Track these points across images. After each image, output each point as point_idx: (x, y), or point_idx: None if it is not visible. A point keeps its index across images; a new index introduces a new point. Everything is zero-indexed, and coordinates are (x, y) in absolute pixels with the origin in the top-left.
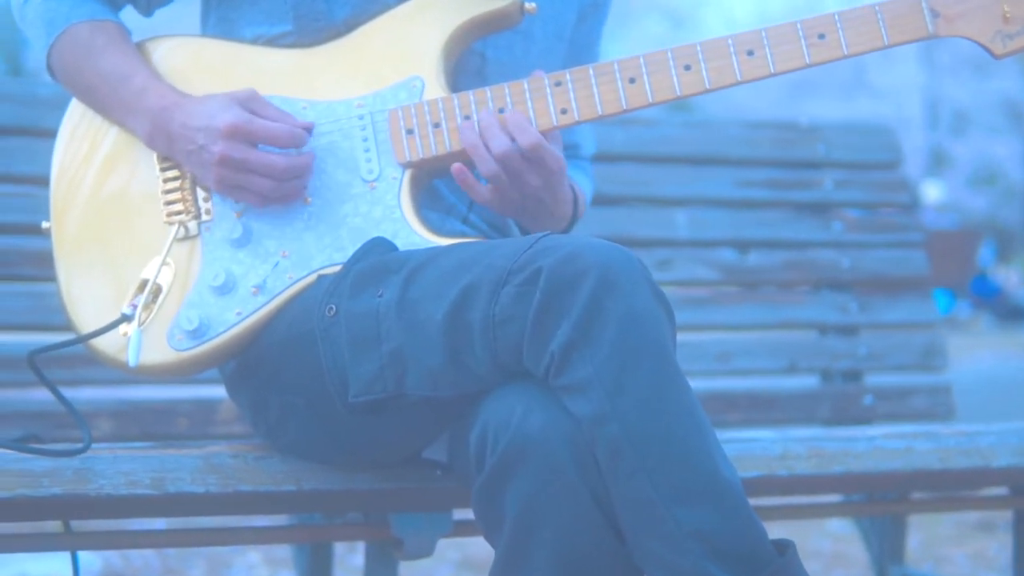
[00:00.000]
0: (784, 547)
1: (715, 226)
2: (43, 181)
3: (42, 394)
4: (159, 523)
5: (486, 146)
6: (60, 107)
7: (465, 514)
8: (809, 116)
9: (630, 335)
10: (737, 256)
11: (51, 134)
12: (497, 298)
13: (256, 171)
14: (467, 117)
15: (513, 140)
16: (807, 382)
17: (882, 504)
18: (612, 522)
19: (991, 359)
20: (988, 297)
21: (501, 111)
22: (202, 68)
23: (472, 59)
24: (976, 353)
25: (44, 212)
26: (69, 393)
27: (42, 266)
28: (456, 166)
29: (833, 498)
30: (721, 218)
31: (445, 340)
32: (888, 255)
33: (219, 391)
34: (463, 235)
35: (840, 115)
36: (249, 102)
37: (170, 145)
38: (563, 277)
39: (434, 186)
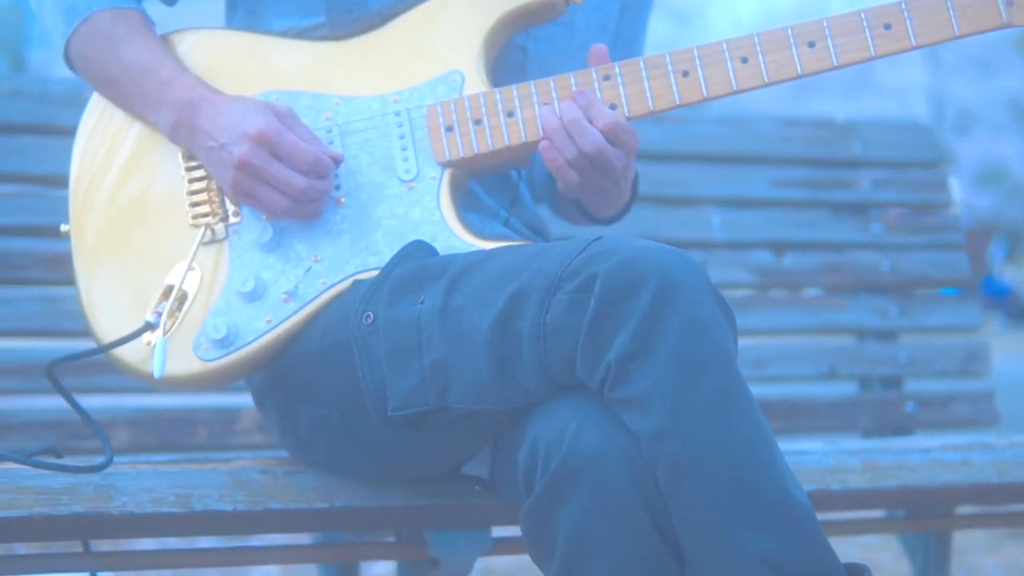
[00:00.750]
0: (859, 573)
1: (750, 227)
2: (56, 181)
3: (57, 403)
4: (174, 540)
5: (568, 133)
6: (74, 104)
7: (505, 531)
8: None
9: (692, 346)
10: (773, 258)
11: (64, 132)
12: (548, 306)
13: (272, 185)
14: (510, 114)
15: (593, 124)
16: (846, 389)
17: (931, 520)
18: (672, 546)
19: (1005, 362)
20: (998, 298)
21: (546, 106)
22: (229, 62)
23: (512, 52)
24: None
25: (57, 213)
26: (84, 401)
27: (55, 269)
28: (543, 145)
29: (876, 513)
30: (757, 219)
31: (491, 350)
32: (929, 257)
33: (240, 399)
34: (505, 238)
35: (845, 114)
36: (284, 117)
37: (192, 139)
38: (620, 283)
39: (471, 188)
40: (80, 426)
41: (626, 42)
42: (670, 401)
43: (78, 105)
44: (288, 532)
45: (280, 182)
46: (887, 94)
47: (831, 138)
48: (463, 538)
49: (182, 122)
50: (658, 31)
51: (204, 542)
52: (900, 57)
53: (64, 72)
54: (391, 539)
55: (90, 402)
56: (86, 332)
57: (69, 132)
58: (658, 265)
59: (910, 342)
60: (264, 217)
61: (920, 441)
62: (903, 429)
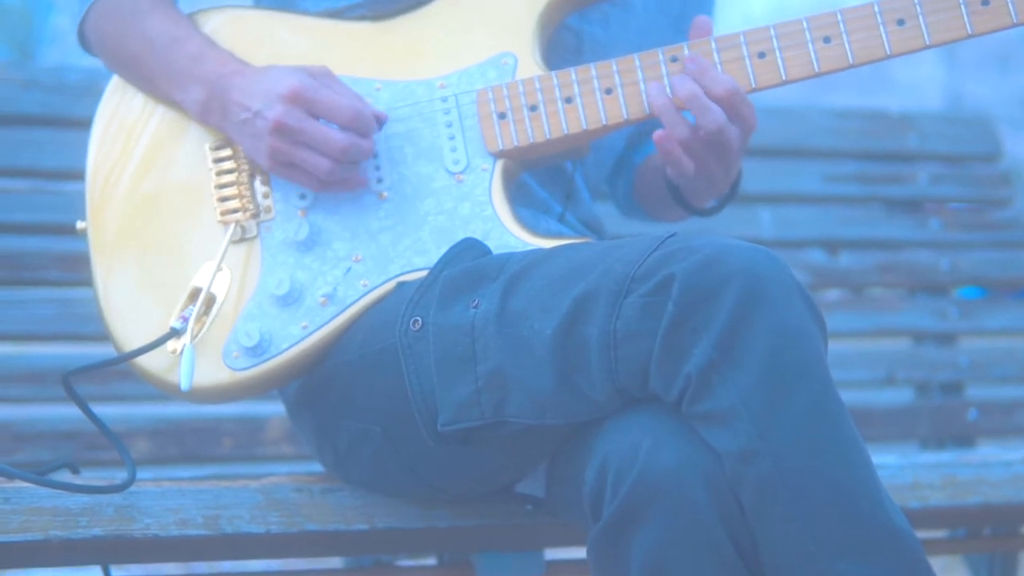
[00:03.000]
0: None
1: (802, 224)
2: (72, 176)
3: (73, 412)
4: (200, 565)
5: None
6: (90, 94)
7: (559, 553)
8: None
9: (782, 355)
10: (827, 257)
11: (80, 124)
12: (619, 310)
13: (312, 145)
14: (568, 100)
15: (702, 87)
16: (903, 395)
17: (997, 540)
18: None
19: None
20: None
21: (608, 91)
22: (260, 44)
23: (564, 36)
24: None
25: (73, 210)
26: (100, 410)
27: (71, 269)
28: (659, 133)
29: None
30: (808, 216)
31: (555, 359)
32: (990, 256)
33: (267, 407)
34: (560, 235)
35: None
36: (321, 75)
37: (224, 116)
38: (701, 285)
39: (523, 180)
40: (99, 436)
41: (685, 22)
42: (758, 416)
43: (94, 96)
44: (324, 556)
45: (319, 141)
46: (903, 91)
47: (885, 131)
48: (514, 560)
49: (213, 99)
50: None
51: (227, 565)
52: (916, 54)
53: (79, 62)
54: (432, 562)
55: (107, 411)
56: (104, 336)
57: (85, 124)
58: (742, 264)
59: (971, 345)
60: (301, 213)
61: (999, 454)
62: (964, 438)
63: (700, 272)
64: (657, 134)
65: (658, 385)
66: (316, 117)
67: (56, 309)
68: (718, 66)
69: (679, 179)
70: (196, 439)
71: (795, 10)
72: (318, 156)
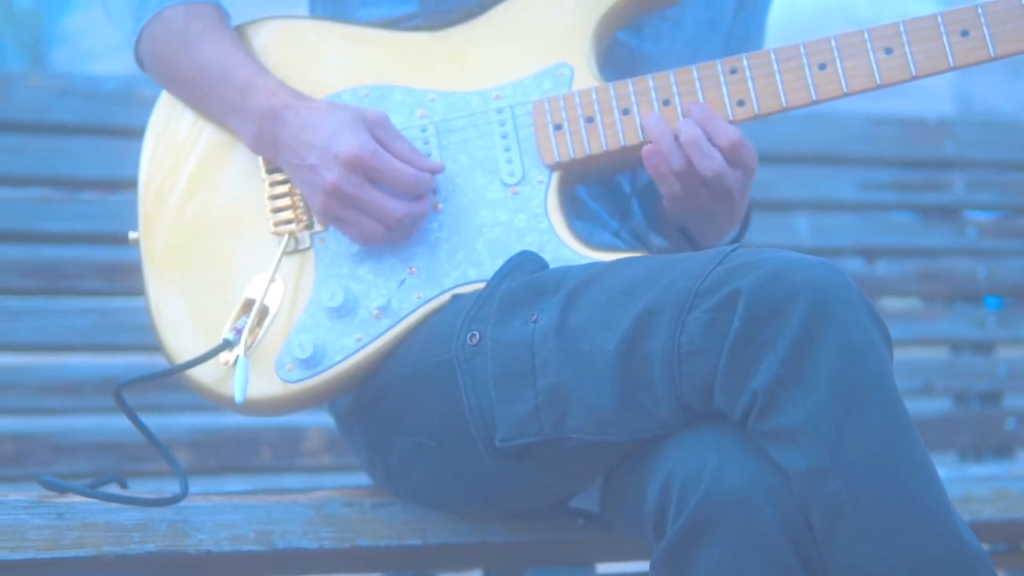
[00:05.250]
0: None
1: (839, 233)
2: (111, 185)
3: (113, 423)
4: None
5: (685, 153)
6: (127, 103)
7: (610, 568)
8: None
9: (851, 372)
10: (864, 265)
11: (118, 133)
12: (683, 326)
13: (368, 212)
14: (626, 111)
15: (710, 140)
16: (940, 405)
17: None
18: None
19: None
20: None
21: (666, 103)
22: (312, 55)
23: (617, 51)
24: None
25: (112, 219)
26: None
27: (111, 279)
28: (648, 148)
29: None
30: (845, 223)
31: (617, 375)
32: None
33: (305, 417)
34: (616, 249)
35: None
36: (378, 128)
37: (277, 153)
38: (767, 301)
39: (576, 194)
40: (138, 448)
41: (740, 42)
42: (828, 434)
43: (131, 104)
44: (375, 571)
45: (375, 210)
46: (912, 95)
47: (921, 138)
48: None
49: (264, 134)
50: None
51: None
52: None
53: (89, 65)
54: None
55: (145, 422)
56: (143, 347)
57: (122, 133)
58: (809, 279)
59: (1009, 355)
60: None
61: None
62: (1003, 448)
63: (766, 287)
64: (645, 148)
65: (723, 401)
66: (374, 183)
67: (95, 319)
68: (777, 75)
69: (672, 207)
70: (235, 450)
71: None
72: (372, 222)
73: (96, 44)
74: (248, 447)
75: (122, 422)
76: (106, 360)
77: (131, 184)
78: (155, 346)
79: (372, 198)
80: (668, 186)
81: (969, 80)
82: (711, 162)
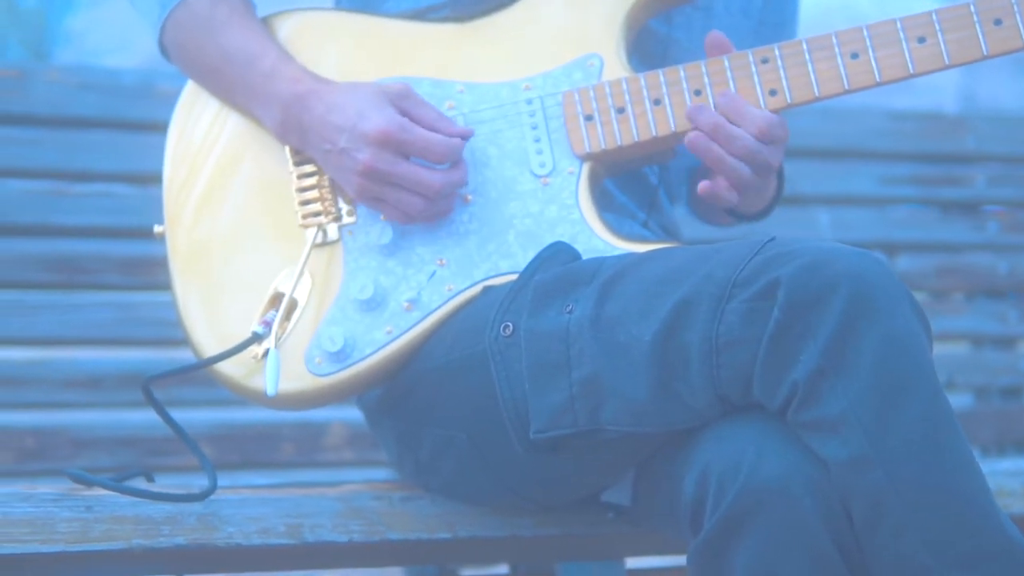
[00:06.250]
0: None
1: (860, 227)
2: (128, 179)
3: (133, 417)
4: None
5: (727, 151)
6: (145, 97)
7: (639, 562)
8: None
9: (893, 362)
10: (885, 260)
11: (136, 127)
12: (721, 316)
13: (405, 187)
14: (657, 102)
15: (746, 132)
16: (962, 400)
17: None
18: None
19: None
20: None
21: (697, 93)
22: (338, 47)
23: (647, 40)
24: None
25: (131, 213)
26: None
27: (130, 273)
28: (694, 135)
29: None
30: (866, 218)
31: (653, 366)
32: None
33: (326, 412)
34: (646, 240)
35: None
36: (402, 100)
37: (303, 139)
38: (807, 290)
39: (603, 186)
40: (159, 443)
41: (772, 28)
42: (869, 424)
43: (150, 98)
44: (405, 564)
45: (413, 183)
46: (917, 93)
47: (942, 132)
48: (596, 570)
49: (290, 120)
50: None
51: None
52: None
53: (131, 63)
54: (504, 571)
55: None
56: (163, 341)
57: (140, 127)
58: (849, 269)
59: None
60: (383, 217)
61: None
62: None
63: (806, 277)
64: (691, 137)
65: (762, 392)
66: (407, 157)
67: (114, 313)
68: (809, 65)
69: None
70: (257, 445)
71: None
72: (411, 196)
73: (100, 43)
74: (270, 442)
75: (142, 417)
76: (125, 354)
77: (150, 178)
78: (175, 340)
79: (408, 172)
80: (726, 171)
81: (975, 78)
82: (740, 142)
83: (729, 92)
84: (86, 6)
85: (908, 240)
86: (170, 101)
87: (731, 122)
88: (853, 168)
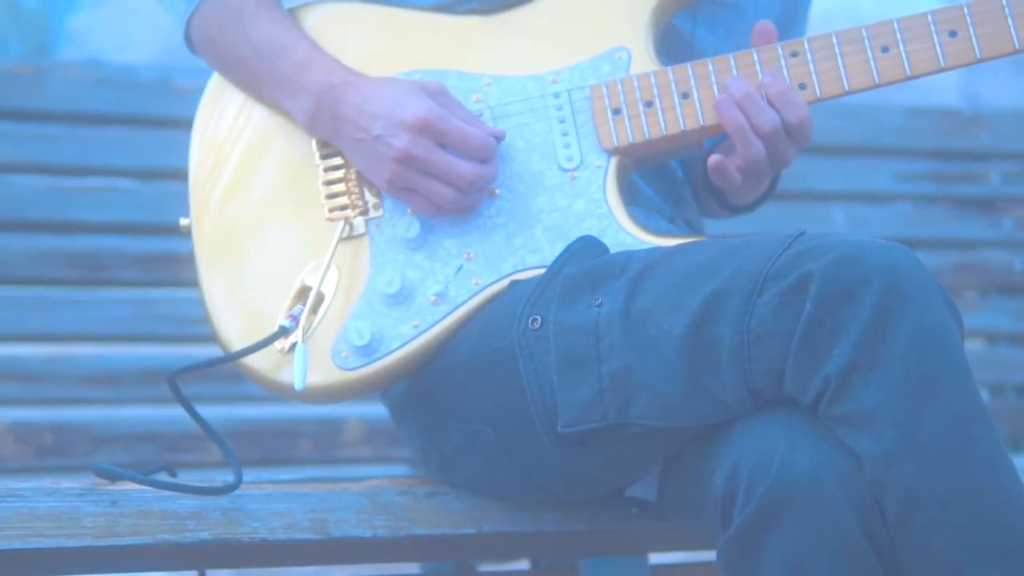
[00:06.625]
0: None
1: (875, 224)
2: (147, 175)
3: (151, 413)
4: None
5: (751, 123)
6: (162, 93)
7: (662, 558)
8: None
9: (926, 357)
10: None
11: (153, 123)
12: (752, 309)
13: (438, 176)
14: (685, 95)
15: (779, 114)
16: None
17: None
18: None
19: None
20: None
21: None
22: (364, 39)
23: (672, 34)
24: None
25: (148, 209)
26: (177, 412)
27: (148, 269)
28: (714, 158)
29: None
30: (881, 214)
31: (684, 360)
32: None
33: (344, 409)
34: (673, 235)
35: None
36: (438, 96)
37: (336, 130)
38: (840, 284)
39: (632, 179)
40: (178, 439)
41: (783, 26)
42: (903, 419)
43: (166, 94)
44: (429, 560)
45: (446, 172)
46: (918, 89)
47: (957, 129)
48: (620, 565)
49: (322, 110)
50: None
51: (312, 572)
52: None
53: (147, 58)
54: (524, 566)
55: (183, 413)
56: (183, 337)
57: (159, 123)
58: (882, 263)
59: None
60: (410, 211)
61: None
62: None
63: (839, 270)
64: (713, 159)
65: (793, 386)
66: (443, 147)
67: (133, 310)
68: (839, 59)
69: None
70: (275, 442)
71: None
72: (444, 186)
73: (102, 43)
74: (288, 439)
75: (161, 413)
76: (144, 351)
77: (168, 174)
78: (194, 337)
79: (443, 160)
80: (733, 180)
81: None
82: (768, 120)
83: (780, 75)
84: (87, 6)
85: (923, 237)
86: (187, 97)
87: (768, 100)
88: (868, 165)
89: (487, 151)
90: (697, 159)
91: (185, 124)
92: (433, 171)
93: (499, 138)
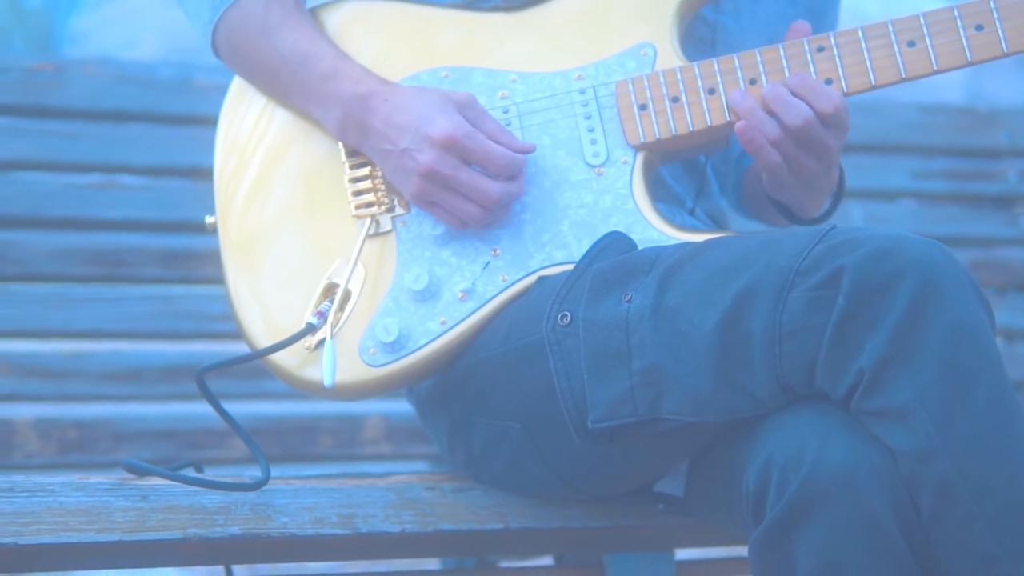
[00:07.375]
0: None
1: (892, 221)
2: (167, 172)
3: (174, 410)
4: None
5: (778, 120)
6: (183, 90)
7: (688, 554)
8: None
9: (960, 351)
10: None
11: (174, 120)
12: (784, 304)
13: (464, 194)
14: (711, 91)
15: (811, 107)
16: None
17: None
18: None
19: None
20: None
21: (752, 82)
22: (389, 36)
23: (698, 26)
24: None
25: (170, 207)
26: (198, 409)
27: (170, 267)
28: (740, 124)
29: None
30: (898, 212)
31: (715, 355)
32: None
33: (365, 406)
34: (696, 229)
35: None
36: (466, 109)
37: (364, 139)
38: (873, 279)
39: (658, 174)
40: (200, 436)
41: (814, 15)
42: (937, 414)
43: (187, 91)
44: (456, 556)
45: (472, 190)
46: (921, 88)
47: (974, 127)
48: (646, 561)
49: (350, 120)
50: None
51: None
52: None
53: (149, 58)
54: (548, 562)
55: (206, 410)
56: (204, 334)
57: (179, 120)
58: (915, 258)
59: None
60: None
61: None
62: None
63: (872, 265)
64: (739, 125)
65: (826, 381)
66: (469, 164)
67: (155, 307)
68: (865, 53)
69: (776, 191)
70: (296, 438)
71: None
72: (469, 203)
73: (105, 43)
74: (308, 435)
75: (183, 409)
76: (166, 348)
77: (188, 171)
78: (216, 334)
79: (468, 179)
80: (767, 158)
81: (978, 74)
82: (798, 111)
83: (808, 75)
84: (91, 6)
85: (940, 234)
86: (207, 95)
87: (793, 95)
88: (885, 162)
89: (514, 169)
90: (753, 180)
91: (204, 121)
92: (458, 188)
93: (528, 152)
